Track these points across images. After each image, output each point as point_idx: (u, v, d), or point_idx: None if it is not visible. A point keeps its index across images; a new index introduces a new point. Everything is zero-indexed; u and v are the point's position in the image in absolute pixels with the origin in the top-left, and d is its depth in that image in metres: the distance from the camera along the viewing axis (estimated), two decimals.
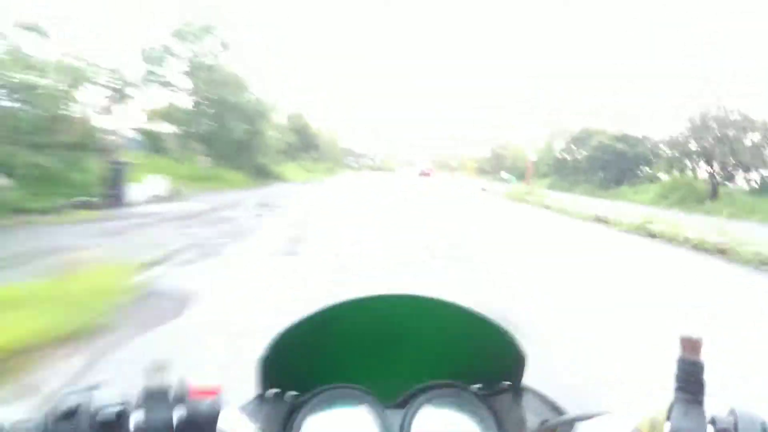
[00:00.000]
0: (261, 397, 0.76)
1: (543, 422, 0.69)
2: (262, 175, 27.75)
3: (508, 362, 0.78)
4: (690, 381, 0.51)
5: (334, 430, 0.72)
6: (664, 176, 35.99)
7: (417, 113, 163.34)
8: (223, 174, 22.30)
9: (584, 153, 43.98)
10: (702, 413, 0.49)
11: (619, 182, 37.83)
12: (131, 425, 0.48)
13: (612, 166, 38.60)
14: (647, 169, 38.79)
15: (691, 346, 0.51)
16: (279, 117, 39.05)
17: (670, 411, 0.50)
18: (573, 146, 45.38)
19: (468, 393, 0.78)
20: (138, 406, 0.49)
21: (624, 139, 39.04)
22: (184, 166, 21.87)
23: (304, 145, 41.31)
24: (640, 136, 38.92)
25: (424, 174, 67.88)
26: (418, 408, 0.75)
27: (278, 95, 40.11)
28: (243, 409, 0.71)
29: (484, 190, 36.54)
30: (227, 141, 23.39)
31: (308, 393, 0.76)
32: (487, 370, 0.79)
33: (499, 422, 0.75)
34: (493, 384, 0.80)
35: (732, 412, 0.50)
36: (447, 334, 0.79)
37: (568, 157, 46.41)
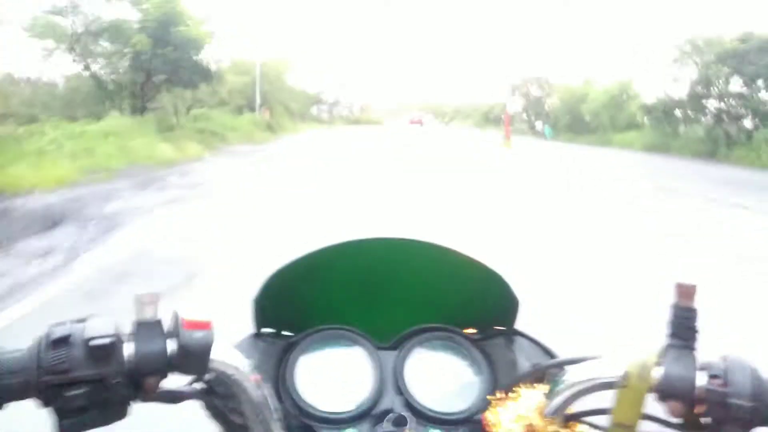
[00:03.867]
0: (255, 336, 0.77)
1: (534, 365, 0.69)
2: None
3: (501, 307, 0.79)
4: (683, 327, 0.51)
5: (327, 369, 0.74)
6: None
7: (405, 50, 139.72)
8: None
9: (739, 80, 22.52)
10: (693, 359, 0.50)
11: None
12: (125, 355, 0.48)
13: None
14: None
15: (685, 292, 0.51)
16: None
17: (661, 356, 0.51)
18: (722, 66, 23.27)
19: (460, 336, 0.79)
20: (131, 337, 0.49)
21: None
22: None
23: (171, 65, 16.67)
24: None
25: (414, 122, 57.52)
26: (410, 350, 0.76)
27: None
28: (237, 346, 0.72)
29: None
30: None
31: (302, 333, 0.77)
32: (480, 315, 0.81)
33: (491, 365, 0.76)
34: (486, 328, 0.81)
35: (724, 359, 0.50)
36: (441, 278, 0.80)
37: (715, 89, 24.32)
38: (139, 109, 17.27)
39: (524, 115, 48.32)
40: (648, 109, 28.57)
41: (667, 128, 26.96)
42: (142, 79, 17.19)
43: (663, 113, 27.22)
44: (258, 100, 28.12)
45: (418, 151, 19.73)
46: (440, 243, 0.76)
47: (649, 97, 28.93)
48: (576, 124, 36.34)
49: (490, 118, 61.05)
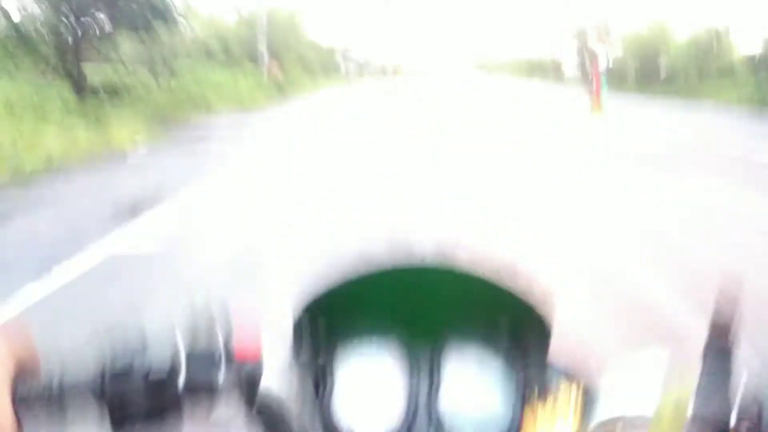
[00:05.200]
0: (292, 363, 0.77)
1: (566, 395, 0.69)
2: None
3: (535, 335, 0.81)
4: (716, 364, 0.51)
5: (365, 384, 0.76)
6: None
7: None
8: None
9: None
10: (727, 399, 0.49)
11: None
12: (180, 386, 0.49)
13: None
14: None
15: (719, 329, 0.51)
16: None
17: (694, 394, 0.50)
18: None
19: (494, 362, 0.80)
20: (186, 368, 0.50)
21: None
22: None
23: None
24: None
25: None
26: (444, 374, 0.78)
27: None
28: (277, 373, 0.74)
29: None
30: None
31: (337, 359, 0.79)
32: (513, 340, 0.84)
33: (526, 392, 0.77)
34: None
35: (756, 400, 0.49)
36: (474, 305, 0.81)
37: None
38: (68, 68, 12.16)
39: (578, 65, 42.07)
40: (754, 60, 22.17)
41: None
42: (65, 22, 12.00)
43: None
44: (262, 51, 22.70)
45: (467, 130, 13.76)
46: (475, 270, 0.76)
47: (753, 45, 22.57)
48: (651, 75, 30.13)
49: (536, 69, 55.26)
